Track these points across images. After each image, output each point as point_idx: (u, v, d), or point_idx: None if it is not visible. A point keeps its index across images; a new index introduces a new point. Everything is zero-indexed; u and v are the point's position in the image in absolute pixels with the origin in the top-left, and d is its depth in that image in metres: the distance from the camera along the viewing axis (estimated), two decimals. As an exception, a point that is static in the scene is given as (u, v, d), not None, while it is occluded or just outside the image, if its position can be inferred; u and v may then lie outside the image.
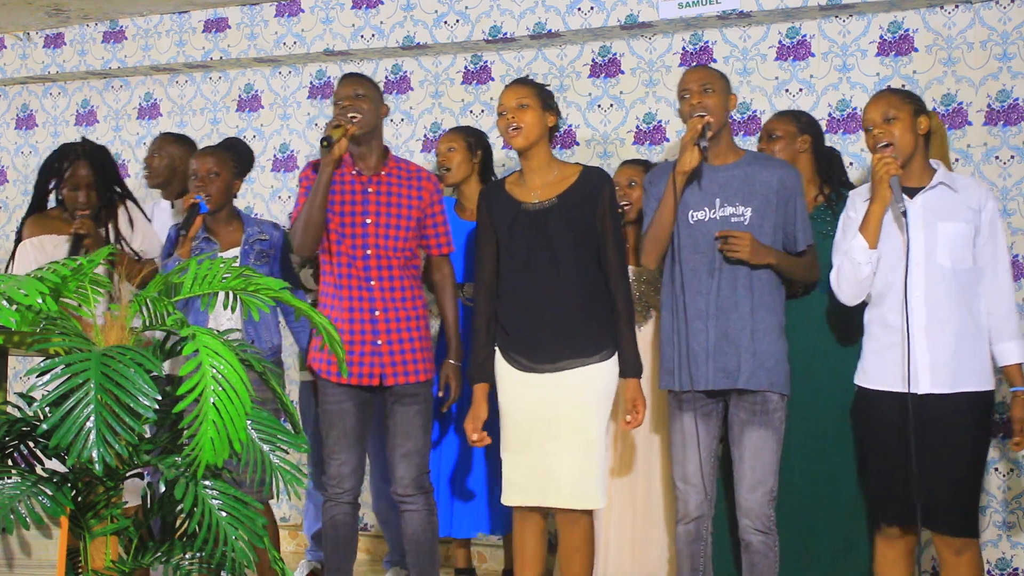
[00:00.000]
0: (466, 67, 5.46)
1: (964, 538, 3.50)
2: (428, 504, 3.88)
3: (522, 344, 3.73)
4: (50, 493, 2.47)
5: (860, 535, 3.88)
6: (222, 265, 2.74)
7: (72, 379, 2.31)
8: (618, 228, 3.77)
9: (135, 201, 4.42)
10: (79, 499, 2.58)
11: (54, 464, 2.59)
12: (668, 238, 3.69)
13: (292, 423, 2.85)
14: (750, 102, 4.90)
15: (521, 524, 3.78)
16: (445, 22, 5.34)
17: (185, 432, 2.58)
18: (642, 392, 3.72)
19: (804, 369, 3.78)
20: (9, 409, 2.65)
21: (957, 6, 4.60)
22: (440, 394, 3.91)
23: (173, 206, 4.81)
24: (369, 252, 3.84)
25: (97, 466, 2.29)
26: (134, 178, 5.90)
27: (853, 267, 3.56)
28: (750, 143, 4.67)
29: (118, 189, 4.36)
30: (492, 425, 3.82)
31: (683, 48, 5.05)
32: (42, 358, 2.60)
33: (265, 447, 2.65)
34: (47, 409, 2.35)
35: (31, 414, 2.59)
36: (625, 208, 4.17)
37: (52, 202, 4.39)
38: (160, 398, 2.37)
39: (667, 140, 5.08)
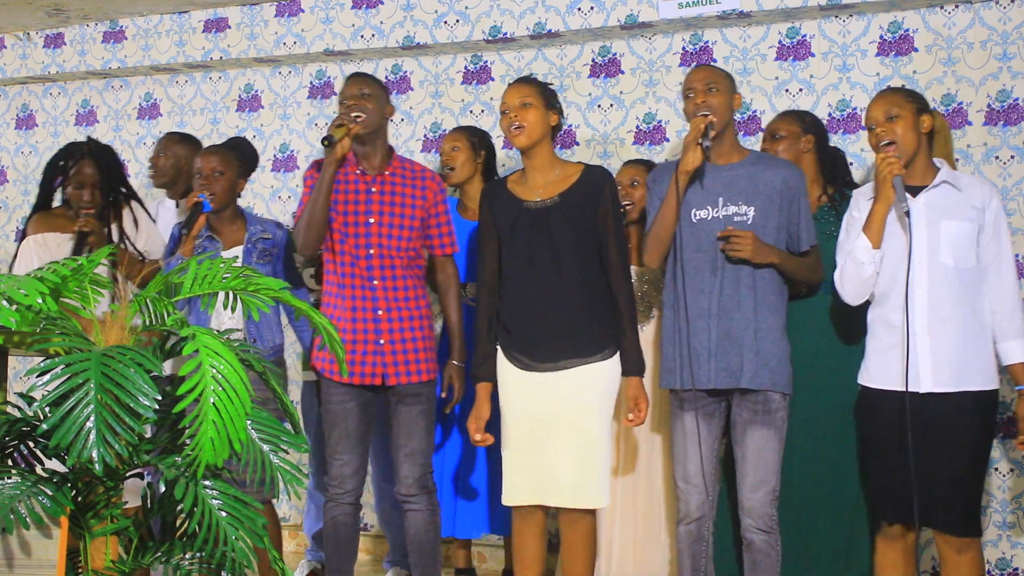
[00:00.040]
0: (466, 67, 5.46)
1: (966, 537, 3.50)
2: (431, 504, 3.88)
3: (524, 343, 3.73)
4: (50, 493, 2.47)
5: (861, 535, 3.88)
6: (222, 265, 2.74)
7: (72, 379, 2.31)
8: (620, 227, 3.77)
9: (140, 201, 4.43)
10: (79, 499, 2.58)
11: (54, 464, 2.59)
12: (670, 237, 3.69)
13: (292, 423, 2.85)
14: (750, 102, 4.90)
15: (521, 525, 3.77)
16: (445, 22, 5.34)
17: (185, 432, 2.59)
18: (644, 390, 3.72)
19: (807, 369, 3.78)
20: (9, 409, 2.65)
21: (957, 6, 4.60)
22: (443, 395, 3.90)
23: (178, 205, 4.81)
24: (372, 252, 3.84)
25: (97, 466, 2.29)
26: (135, 178, 5.89)
27: (856, 267, 3.56)
28: (750, 143, 4.68)
29: (123, 189, 4.36)
30: (494, 425, 3.82)
31: (683, 48, 5.05)
32: (42, 358, 2.59)
33: (265, 447, 2.65)
34: (47, 409, 2.35)
35: (31, 414, 2.59)
36: (627, 208, 4.17)
37: (59, 201, 4.40)
38: (160, 398, 2.37)
39: (667, 140, 5.07)
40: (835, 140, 4.68)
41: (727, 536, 3.95)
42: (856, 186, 4.04)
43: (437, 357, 4.00)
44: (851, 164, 4.67)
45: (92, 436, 2.28)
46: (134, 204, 4.37)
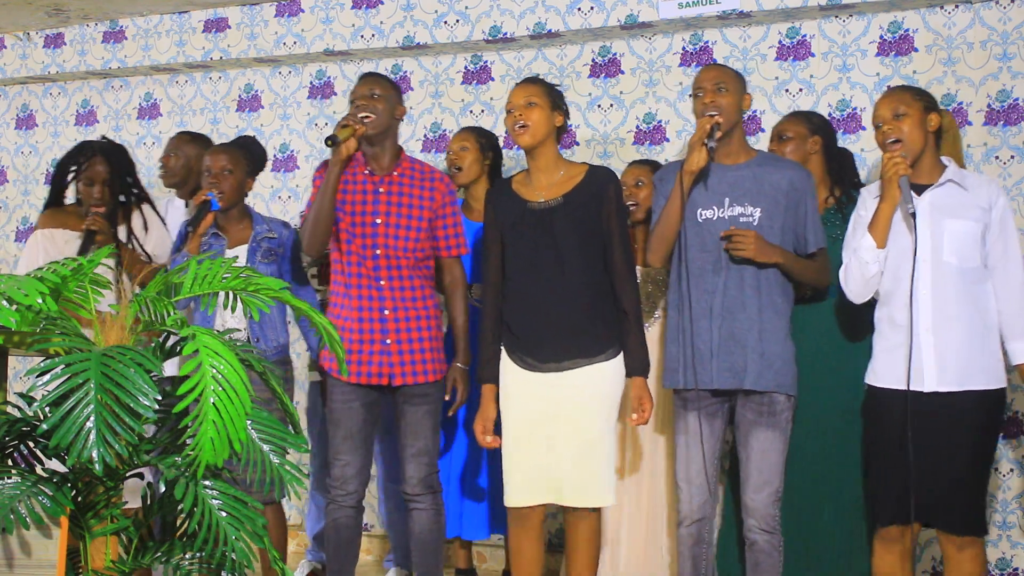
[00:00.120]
0: (466, 67, 5.46)
1: (967, 536, 3.50)
2: (436, 504, 3.88)
3: (527, 343, 3.73)
4: (50, 493, 2.47)
5: (863, 536, 3.87)
6: (222, 265, 2.74)
7: (72, 379, 2.31)
8: (624, 228, 3.77)
9: (152, 204, 4.43)
10: (79, 499, 2.58)
11: (54, 464, 2.59)
12: (675, 237, 3.69)
13: (292, 423, 2.85)
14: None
15: (517, 528, 3.77)
16: (445, 22, 5.34)
17: (185, 432, 2.59)
18: (648, 390, 3.72)
19: (810, 369, 3.77)
20: (9, 409, 2.65)
21: (957, 6, 4.60)
22: (447, 397, 3.89)
23: (187, 205, 4.80)
24: (378, 252, 3.84)
25: (97, 466, 2.29)
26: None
27: (860, 266, 3.57)
28: (749, 143, 4.67)
29: (135, 190, 4.36)
30: (499, 425, 3.81)
31: (683, 48, 5.05)
32: (42, 358, 2.59)
33: (265, 447, 2.65)
34: (47, 409, 2.35)
35: (31, 414, 2.59)
36: (632, 208, 4.17)
37: (73, 199, 4.41)
38: (160, 398, 2.37)
39: (667, 140, 5.07)
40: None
41: (731, 536, 3.95)
42: (863, 187, 4.02)
43: (446, 358, 3.99)
44: (852, 164, 4.67)
45: (92, 436, 2.28)
46: (145, 207, 4.37)
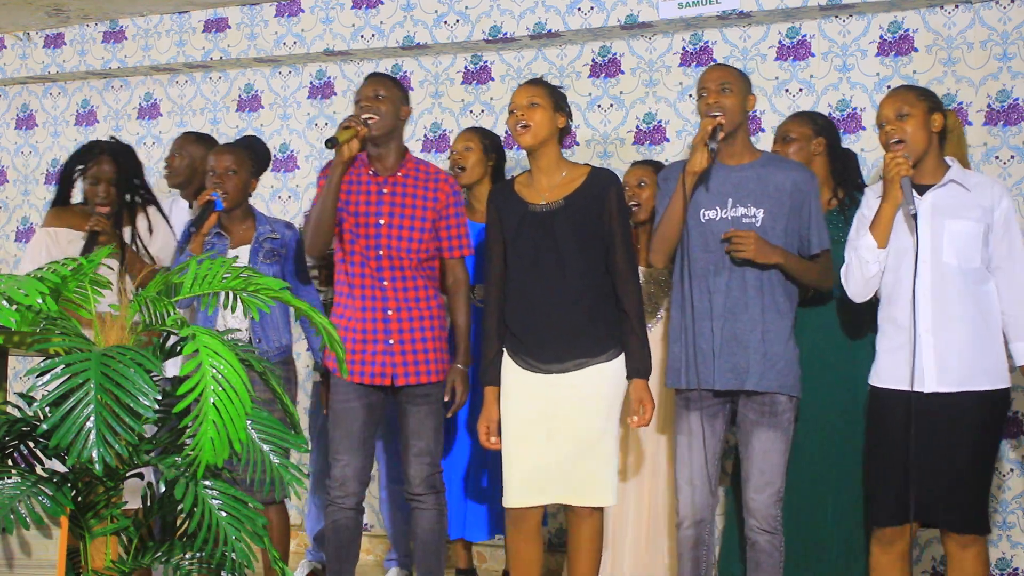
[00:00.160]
0: (466, 67, 5.46)
1: (969, 534, 3.50)
2: (439, 504, 3.88)
3: (529, 344, 3.73)
4: (50, 493, 2.46)
5: (864, 536, 3.87)
6: (222, 265, 2.74)
7: (72, 379, 2.31)
8: (626, 229, 3.76)
9: (159, 207, 4.41)
10: (79, 499, 2.58)
11: (54, 464, 2.59)
12: (677, 238, 3.68)
13: (292, 423, 2.85)
14: (750, 102, 4.90)
15: (513, 529, 3.76)
16: (445, 22, 5.34)
17: (185, 432, 2.59)
18: (649, 392, 3.71)
19: (810, 369, 3.77)
20: (9, 409, 2.65)
21: (957, 6, 4.60)
22: (446, 399, 3.88)
23: (191, 206, 4.79)
24: (381, 253, 3.84)
25: (97, 466, 2.29)
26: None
27: (861, 265, 3.57)
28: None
29: (142, 192, 4.35)
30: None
31: (683, 48, 5.05)
32: (42, 358, 2.59)
33: (265, 447, 2.65)
34: (47, 409, 2.35)
35: (31, 414, 2.59)
36: (634, 208, 4.16)
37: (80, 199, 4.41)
38: (160, 398, 2.37)
39: (667, 140, 5.08)
40: (835, 140, 4.68)
41: (733, 536, 3.95)
42: (865, 187, 4.01)
43: (449, 359, 3.98)
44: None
45: (92, 436, 2.28)
46: (151, 209, 4.36)
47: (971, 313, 3.50)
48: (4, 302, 2.34)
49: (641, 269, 4.13)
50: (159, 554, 2.66)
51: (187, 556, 2.63)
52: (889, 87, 4.66)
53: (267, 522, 2.66)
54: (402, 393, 3.86)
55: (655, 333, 4.10)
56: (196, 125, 5.94)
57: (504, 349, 3.79)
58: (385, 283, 3.85)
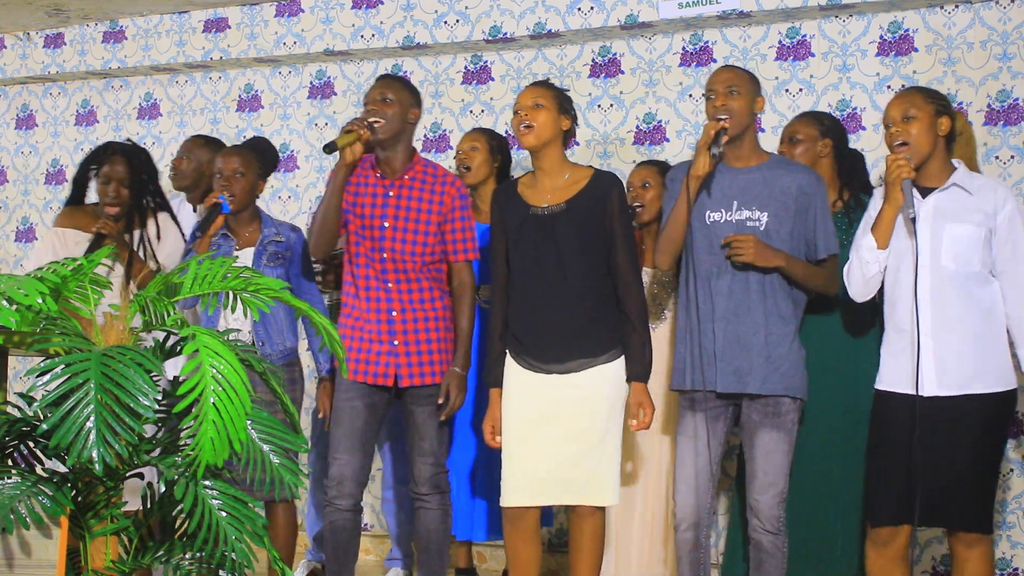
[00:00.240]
0: (466, 67, 5.46)
1: (971, 533, 3.50)
2: (443, 504, 3.88)
3: (530, 345, 3.73)
4: (50, 493, 2.47)
5: (863, 537, 3.87)
6: (222, 265, 2.74)
7: (72, 379, 2.31)
8: (629, 232, 3.76)
9: (171, 213, 4.39)
10: (79, 499, 2.58)
11: (54, 464, 2.59)
12: (681, 240, 3.68)
13: (292, 423, 2.85)
14: (750, 102, 4.90)
15: (511, 529, 3.76)
16: (445, 22, 5.34)
17: (186, 432, 2.59)
18: (649, 396, 3.71)
19: (815, 372, 3.75)
20: (9, 409, 2.65)
21: (957, 6, 4.60)
22: (439, 401, 3.86)
23: (195, 210, 4.77)
24: (385, 255, 3.84)
25: (97, 466, 2.29)
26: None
27: (861, 265, 3.57)
28: (750, 143, 4.66)
29: (154, 196, 4.33)
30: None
31: (683, 48, 5.05)
32: (42, 358, 2.60)
33: (265, 447, 2.65)
34: (47, 409, 2.35)
35: (31, 414, 2.59)
36: (638, 210, 4.16)
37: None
38: (160, 398, 2.37)
39: (667, 140, 5.07)
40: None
41: (737, 536, 3.95)
42: (873, 189, 3.99)
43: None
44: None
45: (92, 436, 2.29)
46: (163, 215, 4.33)
47: (971, 317, 3.50)
48: (4, 302, 2.34)
49: (646, 270, 4.13)
50: (159, 554, 2.66)
51: (187, 556, 2.63)
52: (889, 87, 4.67)
53: (267, 522, 2.67)
54: (407, 394, 3.86)
55: (659, 334, 4.09)
56: (196, 125, 5.94)
57: (506, 349, 3.79)
58: (390, 285, 3.85)
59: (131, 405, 2.32)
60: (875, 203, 3.66)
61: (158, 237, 4.28)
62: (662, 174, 4.11)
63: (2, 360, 2.89)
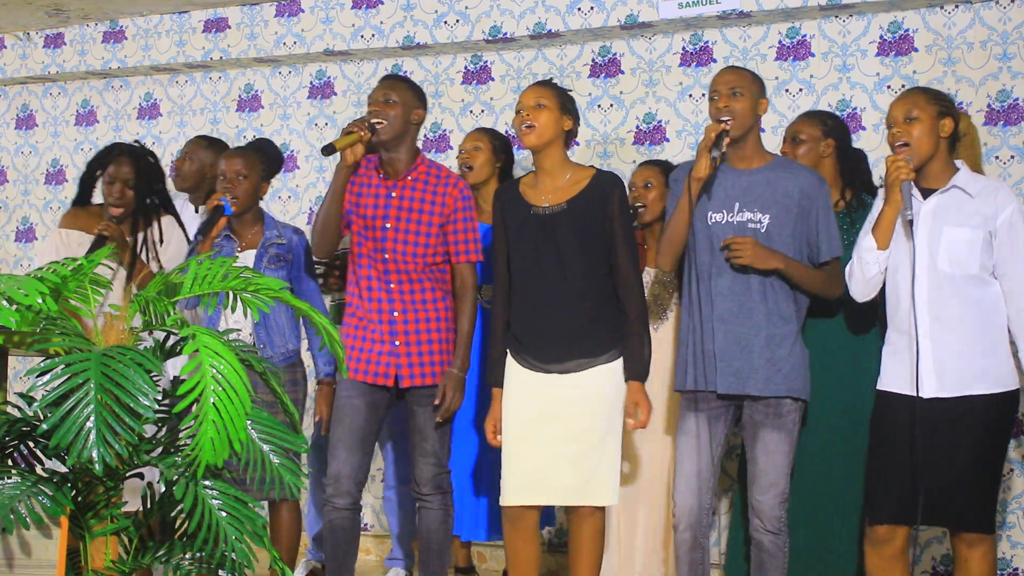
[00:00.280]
0: (466, 67, 5.46)
1: (975, 533, 3.50)
2: (445, 504, 3.88)
3: (530, 344, 3.73)
4: (50, 493, 2.47)
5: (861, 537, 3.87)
6: (222, 265, 2.74)
7: (72, 379, 2.32)
8: (629, 232, 3.76)
9: (177, 217, 4.38)
10: (79, 499, 2.58)
11: (54, 464, 2.59)
12: (683, 241, 3.68)
13: (292, 423, 2.85)
14: (750, 102, 4.90)
15: (511, 528, 3.76)
16: (445, 22, 5.34)
17: (186, 432, 2.59)
18: (645, 395, 3.71)
19: (815, 372, 3.75)
20: (9, 409, 2.65)
21: (957, 6, 4.60)
22: (436, 402, 3.84)
23: (197, 211, 4.77)
24: (387, 256, 3.84)
25: (97, 466, 2.29)
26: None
27: (861, 265, 3.57)
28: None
29: (159, 199, 4.32)
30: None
31: (683, 48, 5.05)
32: (42, 358, 2.60)
33: (265, 447, 2.66)
34: (47, 409, 2.35)
35: (31, 414, 2.59)
36: (640, 210, 4.15)
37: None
38: (160, 398, 2.37)
39: (667, 140, 5.08)
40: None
41: (740, 537, 3.94)
42: (875, 189, 3.98)
43: None
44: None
45: (92, 436, 2.29)
46: (167, 219, 4.31)
47: (971, 318, 3.49)
48: (4, 302, 2.34)
49: (648, 270, 4.13)
50: (159, 554, 2.67)
51: (187, 556, 2.64)
52: (889, 87, 4.67)
53: (266, 522, 2.67)
54: (409, 395, 3.87)
55: (661, 334, 4.09)
56: (196, 125, 5.94)
57: (508, 349, 3.79)
58: (392, 285, 3.85)
59: (131, 405, 2.32)
60: (879, 204, 3.66)
61: (160, 240, 4.26)
62: (665, 174, 4.10)
63: (2, 360, 2.89)
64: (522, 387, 3.74)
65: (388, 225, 3.84)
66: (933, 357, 3.49)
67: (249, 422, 2.60)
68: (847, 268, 3.67)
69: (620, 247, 3.71)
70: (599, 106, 5.19)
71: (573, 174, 3.78)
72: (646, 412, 3.69)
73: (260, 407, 2.70)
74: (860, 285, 3.62)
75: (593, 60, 5.22)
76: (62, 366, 2.34)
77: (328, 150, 3.74)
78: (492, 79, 5.40)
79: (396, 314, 3.84)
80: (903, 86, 4.58)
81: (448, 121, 5.44)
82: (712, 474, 3.68)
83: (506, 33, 5.22)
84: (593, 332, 3.69)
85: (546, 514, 4.43)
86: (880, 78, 4.70)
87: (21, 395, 2.65)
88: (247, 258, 4.10)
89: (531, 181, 3.83)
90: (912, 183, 3.49)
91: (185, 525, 2.57)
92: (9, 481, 2.48)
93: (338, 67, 5.71)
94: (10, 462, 2.62)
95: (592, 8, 5.05)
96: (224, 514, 2.52)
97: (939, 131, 3.51)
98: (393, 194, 3.87)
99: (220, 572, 2.58)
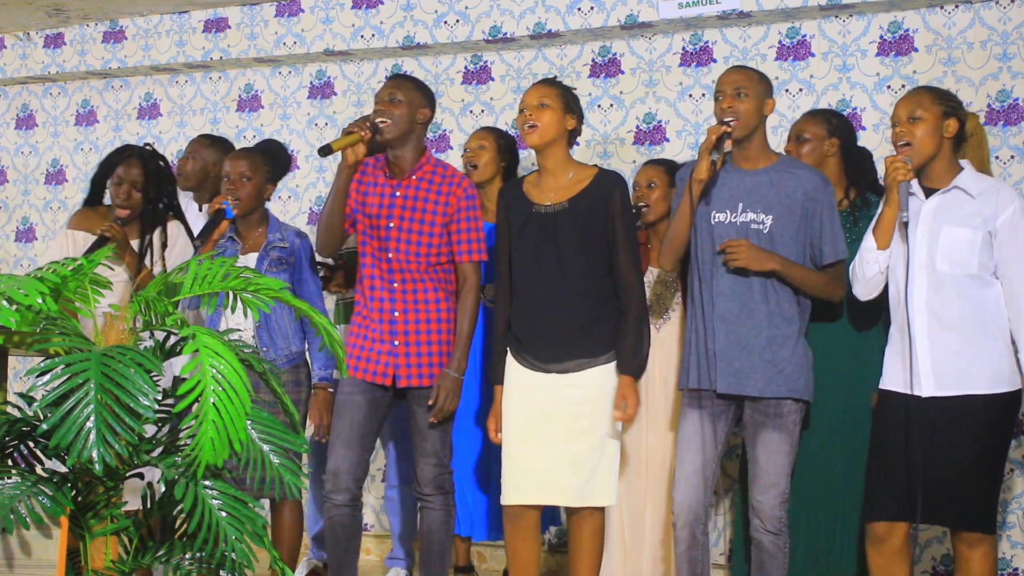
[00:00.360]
0: (466, 67, 5.46)
1: (975, 533, 3.50)
2: (446, 504, 3.88)
3: (530, 343, 3.74)
4: (50, 493, 2.47)
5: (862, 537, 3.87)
6: (222, 265, 2.74)
7: (72, 379, 2.32)
8: (631, 232, 3.76)
9: (184, 222, 4.37)
10: (79, 499, 2.58)
11: (54, 464, 2.59)
12: (684, 241, 3.68)
13: (292, 424, 2.85)
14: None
15: (511, 528, 3.77)
16: (445, 22, 5.34)
17: (186, 432, 2.59)
18: (635, 390, 3.70)
19: (817, 371, 3.75)
20: (9, 409, 2.65)
21: (957, 6, 4.60)
22: (429, 403, 3.83)
23: (201, 210, 4.77)
24: (390, 256, 3.84)
25: (97, 466, 2.29)
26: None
27: (862, 265, 3.58)
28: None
29: (168, 203, 4.32)
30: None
31: (683, 48, 5.05)
32: (42, 358, 2.60)
33: (265, 447, 2.66)
34: (47, 409, 2.35)
35: (31, 414, 2.59)
36: (643, 209, 4.14)
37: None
38: (160, 398, 2.37)
39: (667, 140, 5.07)
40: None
41: (740, 536, 3.94)
42: (880, 188, 3.98)
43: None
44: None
45: (92, 436, 2.29)
46: (173, 224, 4.30)
47: (970, 318, 3.49)
48: (4, 302, 2.34)
49: (651, 270, 4.12)
50: (159, 554, 2.67)
51: (187, 556, 2.64)
52: (889, 87, 4.67)
53: (266, 522, 2.67)
54: (409, 395, 3.87)
55: (664, 334, 4.09)
56: (196, 125, 5.94)
57: (508, 347, 3.79)
58: (395, 285, 3.85)
59: (131, 405, 2.32)
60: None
61: (164, 244, 4.25)
62: (669, 173, 4.10)
63: (2, 360, 2.89)
64: (522, 387, 3.74)
65: (392, 224, 3.84)
66: (932, 356, 3.49)
67: (249, 422, 2.60)
68: (851, 267, 3.67)
69: (620, 246, 3.71)
70: (599, 106, 5.19)
71: (576, 173, 3.78)
72: (633, 407, 3.68)
73: (261, 407, 2.70)
74: (861, 285, 3.64)
75: (593, 60, 5.22)
76: (62, 366, 2.34)
77: (324, 150, 3.74)
78: (492, 79, 5.40)
79: (397, 314, 3.84)
80: (903, 86, 4.58)
81: (448, 121, 5.44)
82: (712, 472, 3.68)
83: (506, 33, 5.22)
84: (593, 332, 3.69)
85: (551, 514, 4.43)
86: (880, 78, 4.70)
87: (21, 395, 2.65)
88: (249, 261, 4.10)
89: (534, 180, 3.83)
90: (909, 184, 3.49)
91: (185, 525, 2.57)
92: (9, 481, 2.48)
93: (338, 67, 5.71)
94: (10, 462, 2.62)
95: (592, 8, 5.05)
96: (224, 514, 2.52)
97: (943, 131, 3.50)
98: (398, 193, 3.87)
99: (220, 572, 2.58)
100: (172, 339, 2.75)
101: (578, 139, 5.13)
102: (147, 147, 4.37)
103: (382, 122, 3.79)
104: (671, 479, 4.09)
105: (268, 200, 4.22)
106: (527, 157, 4.73)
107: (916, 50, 4.67)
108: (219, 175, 4.27)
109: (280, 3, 5.69)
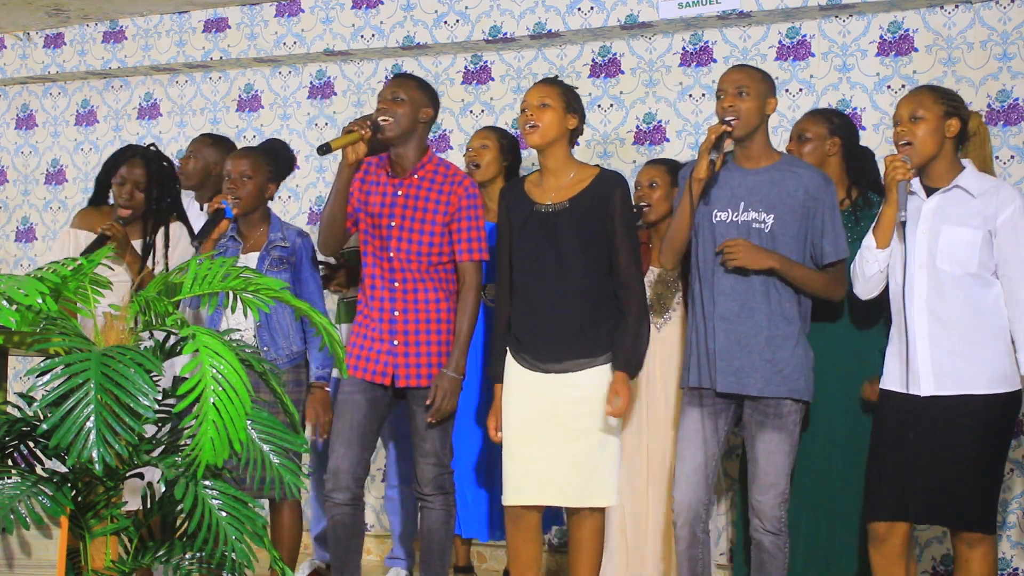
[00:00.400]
0: (466, 67, 5.46)
1: (975, 533, 3.50)
2: (447, 504, 3.88)
3: (530, 343, 3.73)
4: (50, 493, 2.47)
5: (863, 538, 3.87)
6: (222, 265, 2.74)
7: (72, 379, 2.32)
8: (631, 232, 3.76)
9: (188, 224, 4.37)
10: (79, 499, 2.58)
11: (54, 464, 2.59)
12: (684, 241, 3.68)
13: (292, 424, 2.85)
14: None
15: (513, 527, 3.77)
16: (445, 22, 5.34)
17: (186, 432, 2.59)
18: (627, 386, 3.69)
19: (817, 370, 3.74)
20: (9, 409, 2.65)
21: (957, 6, 4.60)
22: (427, 403, 3.82)
23: (202, 208, 4.77)
24: (392, 255, 3.84)
25: (97, 466, 2.29)
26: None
27: (862, 264, 3.58)
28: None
29: (171, 204, 4.31)
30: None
31: (683, 48, 5.05)
32: (42, 358, 2.60)
33: (265, 447, 2.66)
34: (47, 409, 2.35)
35: (31, 414, 2.59)
36: (645, 209, 4.14)
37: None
38: (160, 398, 2.37)
39: (667, 140, 5.07)
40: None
41: (740, 536, 3.94)
42: (882, 187, 3.97)
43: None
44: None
45: (92, 436, 2.29)
46: (176, 225, 4.29)
47: (970, 318, 3.49)
48: (4, 302, 2.34)
49: (652, 269, 4.12)
50: (159, 554, 2.67)
51: (187, 556, 2.64)
52: (889, 87, 4.67)
53: (266, 522, 2.67)
54: (409, 395, 3.87)
55: (665, 333, 4.09)
56: (196, 125, 5.94)
57: (508, 347, 3.79)
58: (396, 284, 3.85)
59: (131, 405, 2.33)
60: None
61: (166, 245, 4.24)
62: (671, 173, 4.10)
63: (2, 360, 2.89)
64: (521, 386, 3.74)
65: (393, 223, 3.84)
66: (931, 356, 3.49)
67: (249, 422, 2.60)
68: (851, 266, 3.67)
69: (621, 246, 3.71)
70: (599, 106, 5.19)
71: (577, 173, 3.78)
72: (624, 402, 3.67)
73: (261, 407, 2.70)
74: (861, 283, 3.64)
75: (593, 60, 5.22)
76: (62, 366, 2.34)
77: (323, 149, 3.73)
78: (492, 79, 5.40)
79: (396, 313, 3.84)
80: (903, 86, 4.58)
81: (448, 121, 5.44)
82: (713, 470, 3.68)
83: (506, 33, 5.22)
84: (593, 332, 3.69)
85: (554, 514, 4.43)
86: (880, 78, 4.70)
87: (21, 395, 2.65)
88: (250, 260, 4.09)
89: (536, 179, 3.83)
90: (908, 183, 3.49)
91: (185, 525, 2.57)
92: (9, 481, 2.48)
93: (338, 67, 5.71)
94: (10, 462, 2.62)
95: (592, 8, 5.05)
96: (224, 514, 2.53)
97: (944, 131, 3.50)
98: (400, 192, 3.87)
99: (220, 572, 2.58)
100: (172, 339, 2.75)
101: (578, 140, 5.15)
102: (151, 147, 4.37)
103: (384, 121, 3.78)
104: (672, 478, 4.10)
105: (271, 200, 4.22)
106: (529, 157, 4.73)
107: (916, 50, 4.67)
108: (221, 174, 4.27)
109: (280, 3, 5.69)
